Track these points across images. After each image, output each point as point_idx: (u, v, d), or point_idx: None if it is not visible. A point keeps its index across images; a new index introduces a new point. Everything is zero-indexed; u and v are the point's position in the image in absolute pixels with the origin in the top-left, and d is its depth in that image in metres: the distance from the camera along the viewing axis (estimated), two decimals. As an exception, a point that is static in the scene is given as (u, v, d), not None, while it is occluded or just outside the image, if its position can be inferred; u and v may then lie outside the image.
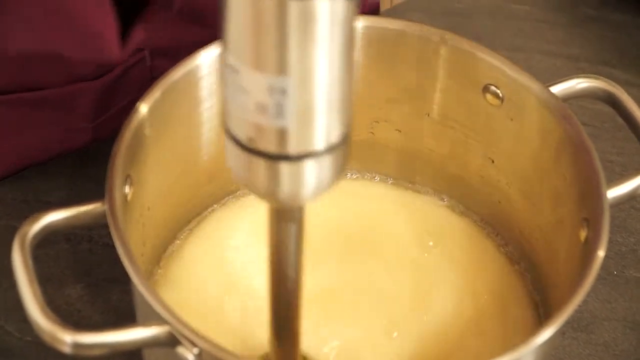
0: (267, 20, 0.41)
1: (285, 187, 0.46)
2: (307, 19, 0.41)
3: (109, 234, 0.76)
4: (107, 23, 0.75)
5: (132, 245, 0.58)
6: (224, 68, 0.44)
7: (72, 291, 0.73)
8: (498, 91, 0.68)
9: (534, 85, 0.67)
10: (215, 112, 0.69)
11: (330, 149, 0.45)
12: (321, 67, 0.43)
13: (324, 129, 0.44)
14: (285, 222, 0.50)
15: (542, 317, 0.69)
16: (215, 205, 0.75)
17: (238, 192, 0.75)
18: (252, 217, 0.74)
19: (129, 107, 0.64)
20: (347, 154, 0.47)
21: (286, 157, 0.45)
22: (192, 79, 0.67)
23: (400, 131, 0.74)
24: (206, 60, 0.67)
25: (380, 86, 0.72)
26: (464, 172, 0.74)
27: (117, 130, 0.61)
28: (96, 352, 0.54)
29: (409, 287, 0.71)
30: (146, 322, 0.55)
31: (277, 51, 0.42)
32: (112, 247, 0.75)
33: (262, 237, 0.72)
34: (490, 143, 0.71)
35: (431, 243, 0.73)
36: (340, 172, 0.47)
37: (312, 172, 0.46)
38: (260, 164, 0.45)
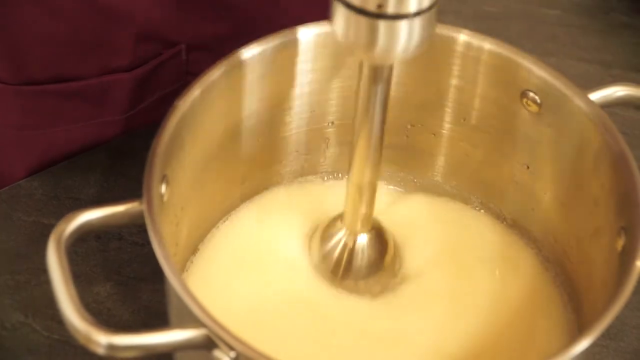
0: None
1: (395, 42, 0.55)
2: None
3: (138, 233, 0.76)
4: None
5: (167, 247, 0.57)
6: None
7: (101, 289, 0.72)
8: (536, 97, 0.68)
9: (573, 93, 0.66)
10: (254, 110, 0.69)
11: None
12: None
13: None
14: (376, 83, 0.59)
15: (573, 323, 0.69)
16: (241, 206, 0.74)
17: (263, 193, 0.75)
18: (280, 216, 0.73)
19: (162, 101, 0.63)
20: (435, 21, 0.56)
21: (405, 16, 0.54)
22: (231, 77, 0.66)
23: (435, 135, 0.74)
24: (246, 58, 0.66)
25: (417, 89, 0.71)
26: (498, 177, 0.73)
27: (147, 124, 0.60)
28: (130, 354, 0.54)
29: (443, 290, 0.70)
30: (182, 325, 0.54)
31: None
32: (142, 245, 0.75)
33: (290, 236, 0.73)
34: (526, 149, 0.71)
35: (464, 248, 0.73)
36: (428, 36, 0.55)
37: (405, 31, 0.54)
38: (377, 25, 0.54)
